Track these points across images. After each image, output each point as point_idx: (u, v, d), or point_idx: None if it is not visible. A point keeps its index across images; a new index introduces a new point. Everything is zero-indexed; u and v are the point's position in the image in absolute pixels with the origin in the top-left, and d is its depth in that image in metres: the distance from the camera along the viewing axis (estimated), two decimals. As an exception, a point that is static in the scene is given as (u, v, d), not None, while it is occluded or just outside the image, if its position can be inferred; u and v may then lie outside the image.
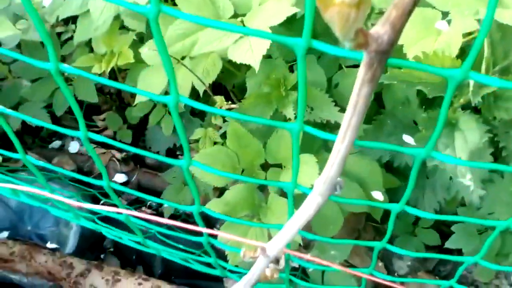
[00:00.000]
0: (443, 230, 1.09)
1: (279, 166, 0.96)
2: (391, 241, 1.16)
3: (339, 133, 0.37)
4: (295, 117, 0.88)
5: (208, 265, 0.89)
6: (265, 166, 0.97)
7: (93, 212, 0.88)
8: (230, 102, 0.98)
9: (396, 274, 1.14)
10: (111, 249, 1.23)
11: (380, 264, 1.15)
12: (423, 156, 0.37)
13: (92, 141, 1.40)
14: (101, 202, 1.27)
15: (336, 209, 0.92)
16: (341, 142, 0.37)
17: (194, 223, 1.27)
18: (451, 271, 1.10)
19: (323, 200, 0.44)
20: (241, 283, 0.69)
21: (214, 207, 0.93)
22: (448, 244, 0.97)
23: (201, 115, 1.24)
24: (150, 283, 1.07)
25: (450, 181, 0.91)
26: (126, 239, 0.91)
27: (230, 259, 0.90)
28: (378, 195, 1.02)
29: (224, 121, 1.01)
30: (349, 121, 0.36)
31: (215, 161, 0.95)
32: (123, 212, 0.64)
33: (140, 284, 1.06)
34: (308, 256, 0.57)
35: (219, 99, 0.97)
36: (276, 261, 0.66)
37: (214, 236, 0.78)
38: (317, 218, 0.93)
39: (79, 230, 1.16)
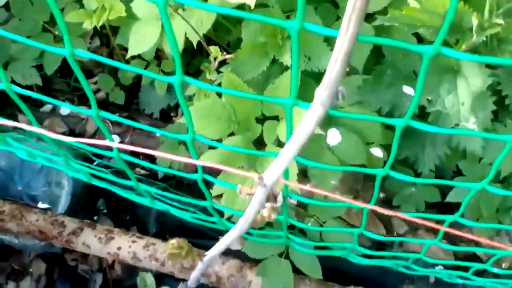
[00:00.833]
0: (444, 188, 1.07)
1: (276, 118, 0.94)
2: (389, 199, 1.14)
3: (343, 22, 0.34)
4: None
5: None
6: (261, 119, 0.95)
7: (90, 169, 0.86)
8: (225, 53, 0.95)
9: (395, 233, 1.13)
10: (104, 211, 1.21)
11: (379, 223, 1.13)
12: (431, 54, 0.34)
13: (82, 103, 1.37)
14: (95, 163, 1.25)
15: (334, 159, 0.90)
16: (345, 34, 0.35)
17: (189, 185, 1.25)
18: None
19: (324, 111, 0.42)
20: (239, 223, 0.67)
21: (209, 158, 0.91)
22: (449, 198, 0.95)
23: (196, 74, 1.21)
24: (144, 240, 1.05)
25: (452, 130, 0.89)
26: (133, 195, 0.89)
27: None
28: (377, 151, 0.99)
29: (219, 72, 0.98)
30: (353, 5, 0.33)
31: (210, 113, 0.93)
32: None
33: (134, 242, 1.04)
34: (307, 187, 0.55)
35: (214, 49, 0.94)
36: (274, 198, 0.64)
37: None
38: (315, 168, 0.90)
39: (71, 190, 1.13)
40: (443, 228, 0.62)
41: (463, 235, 0.59)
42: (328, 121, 0.92)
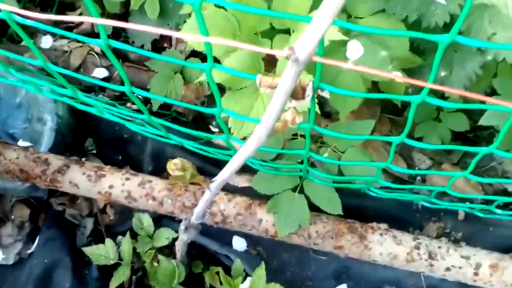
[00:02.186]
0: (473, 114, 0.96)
1: (287, 32, 0.81)
2: (410, 130, 1.04)
3: None
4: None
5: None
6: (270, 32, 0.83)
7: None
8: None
9: (416, 168, 1.03)
10: (93, 151, 1.10)
11: (399, 157, 1.03)
12: None
13: (65, 36, 1.24)
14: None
15: (356, 76, 0.79)
16: None
17: (187, 122, 1.13)
18: (479, 163, 0.99)
19: None
20: (257, 131, 0.55)
21: (213, 75, 0.79)
22: (482, 121, 0.84)
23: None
24: (139, 178, 0.94)
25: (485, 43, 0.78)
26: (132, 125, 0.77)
27: (235, 132, 0.77)
28: (397, 75, 0.88)
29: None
30: None
31: (212, 27, 0.80)
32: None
33: (128, 179, 0.93)
34: (348, 64, 0.44)
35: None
36: (302, 92, 0.52)
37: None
38: (335, 90, 0.79)
39: (55, 126, 1.01)
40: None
41: None
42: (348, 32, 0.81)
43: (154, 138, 0.87)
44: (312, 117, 0.59)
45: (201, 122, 1.13)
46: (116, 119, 0.83)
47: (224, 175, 0.65)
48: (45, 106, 1.02)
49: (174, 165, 0.64)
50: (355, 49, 0.81)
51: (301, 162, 0.82)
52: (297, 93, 0.51)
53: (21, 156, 0.96)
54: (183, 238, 0.83)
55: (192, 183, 0.70)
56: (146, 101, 1.14)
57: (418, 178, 1.04)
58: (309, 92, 0.51)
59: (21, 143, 1.02)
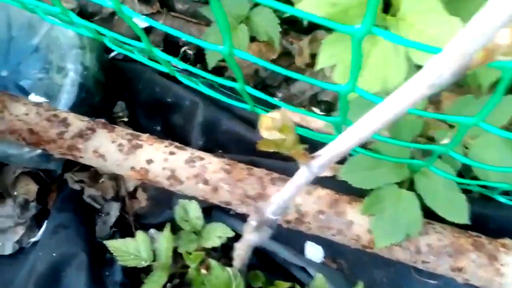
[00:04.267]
0: None
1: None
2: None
3: None
4: None
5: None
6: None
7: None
8: None
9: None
10: (124, 119, 0.86)
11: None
12: None
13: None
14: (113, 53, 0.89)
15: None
16: None
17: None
18: None
19: None
20: (452, 48, 0.31)
21: (311, 7, 0.55)
22: None
23: None
24: (187, 152, 0.70)
25: None
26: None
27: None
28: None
29: None
30: None
31: None
32: None
33: (172, 153, 0.69)
34: None
35: None
36: None
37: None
38: None
39: (79, 79, 0.78)
40: None
41: None
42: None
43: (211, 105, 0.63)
44: None
45: (264, 91, 0.89)
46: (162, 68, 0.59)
47: (338, 148, 0.41)
48: (69, 52, 0.79)
49: (272, 121, 0.39)
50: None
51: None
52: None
53: (32, 112, 0.72)
54: (250, 239, 0.59)
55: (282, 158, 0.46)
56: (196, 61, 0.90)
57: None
58: None
59: (33, 97, 0.78)
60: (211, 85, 0.81)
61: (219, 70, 0.91)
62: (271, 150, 0.43)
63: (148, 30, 0.92)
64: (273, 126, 0.40)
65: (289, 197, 0.52)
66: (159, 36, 0.92)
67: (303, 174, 0.47)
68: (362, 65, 0.53)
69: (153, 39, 0.92)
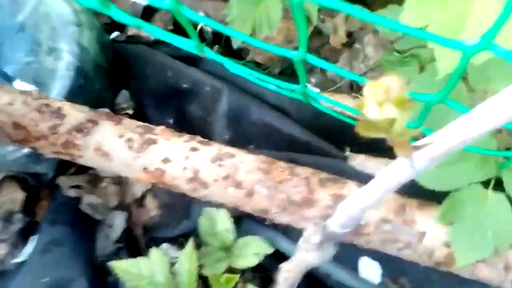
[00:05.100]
0: None
1: None
2: None
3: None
4: None
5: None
6: None
7: None
8: None
9: None
10: (129, 111, 0.72)
11: None
12: None
13: None
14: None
15: None
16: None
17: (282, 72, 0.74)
18: None
19: None
20: None
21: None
22: None
23: None
24: (214, 148, 0.56)
25: None
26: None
27: (444, 64, 0.39)
28: None
29: None
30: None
31: None
32: None
33: (195, 149, 0.55)
34: None
35: None
36: None
37: None
38: None
39: (75, 62, 0.64)
40: None
41: None
42: None
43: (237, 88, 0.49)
44: None
45: (292, 77, 0.75)
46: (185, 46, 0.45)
47: (461, 133, 0.29)
48: (62, 30, 0.65)
49: (385, 91, 0.26)
50: None
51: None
52: None
53: (17, 102, 0.58)
54: (306, 259, 0.45)
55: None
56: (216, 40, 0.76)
57: None
58: None
59: (18, 84, 0.64)
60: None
61: (237, 54, 0.78)
62: (370, 136, 0.29)
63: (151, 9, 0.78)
64: (386, 97, 0.27)
65: (370, 203, 0.38)
66: (168, 15, 0.78)
67: (401, 171, 0.34)
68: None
69: (160, 18, 0.78)
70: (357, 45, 0.75)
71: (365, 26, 0.75)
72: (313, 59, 0.36)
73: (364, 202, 0.38)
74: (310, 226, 0.43)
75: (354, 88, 0.75)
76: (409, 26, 0.34)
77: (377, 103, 0.25)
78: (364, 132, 0.29)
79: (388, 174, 0.35)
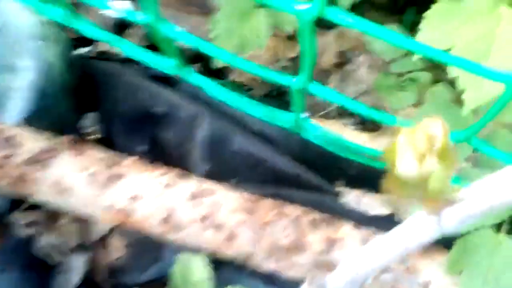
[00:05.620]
0: None
1: None
2: None
3: None
4: None
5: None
6: None
7: None
8: None
9: None
10: (96, 135, 0.64)
11: None
12: None
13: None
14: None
15: None
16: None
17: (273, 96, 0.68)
18: None
19: None
20: None
21: None
22: None
23: None
24: (191, 183, 0.49)
25: None
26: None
27: (472, 94, 0.34)
28: None
29: None
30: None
31: None
32: None
33: (168, 186, 0.48)
34: None
35: None
36: None
37: None
38: None
39: (37, 81, 0.57)
40: None
41: None
42: None
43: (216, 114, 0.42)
44: None
45: (279, 101, 0.69)
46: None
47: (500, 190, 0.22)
48: (23, 44, 0.58)
49: (428, 140, 0.20)
50: None
51: None
52: None
53: (-37, 126, 0.50)
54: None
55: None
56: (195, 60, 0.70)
57: None
58: None
59: (-32, 105, 0.56)
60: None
61: (217, 73, 0.72)
62: (401, 196, 0.23)
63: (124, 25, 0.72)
64: (429, 148, 0.20)
65: (381, 264, 0.32)
66: (140, 29, 0.72)
67: (424, 229, 0.28)
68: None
69: (135, 32, 0.71)
70: (348, 67, 0.70)
71: (358, 46, 0.70)
72: (317, 88, 0.30)
73: (375, 264, 0.31)
74: (304, 285, 0.37)
75: (345, 114, 0.69)
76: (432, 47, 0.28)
77: (417, 154, 0.19)
78: (394, 191, 0.23)
79: (407, 232, 0.29)
